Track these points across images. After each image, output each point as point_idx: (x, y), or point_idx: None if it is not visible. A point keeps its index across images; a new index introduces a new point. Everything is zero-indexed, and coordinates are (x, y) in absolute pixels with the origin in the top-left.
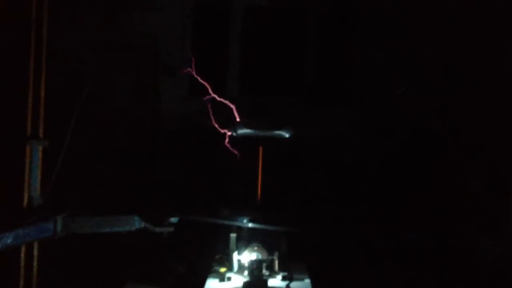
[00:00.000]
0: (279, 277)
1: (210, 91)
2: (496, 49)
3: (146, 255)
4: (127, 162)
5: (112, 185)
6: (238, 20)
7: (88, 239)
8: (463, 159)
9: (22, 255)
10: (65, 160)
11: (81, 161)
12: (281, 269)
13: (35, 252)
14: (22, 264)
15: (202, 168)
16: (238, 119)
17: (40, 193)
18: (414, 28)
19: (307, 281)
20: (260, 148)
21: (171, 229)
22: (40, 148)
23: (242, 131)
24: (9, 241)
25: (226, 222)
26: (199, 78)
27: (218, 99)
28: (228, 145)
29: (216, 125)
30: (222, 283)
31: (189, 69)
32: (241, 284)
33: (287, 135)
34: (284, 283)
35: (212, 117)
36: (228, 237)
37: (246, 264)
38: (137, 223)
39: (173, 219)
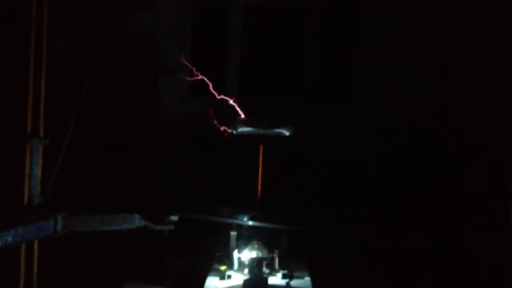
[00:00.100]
0: (280, 275)
1: (210, 87)
2: (496, 49)
3: (146, 253)
4: (127, 161)
5: (112, 184)
6: (238, 19)
7: (88, 238)
8: (463, 159)
9: (22, 253)
10: (66, 159)
11: (81, 160)
12: (282, 267)
13: (36, 251)
14: (23, 262)
15: (202, 166)
16: (241, 115)
17: (40, 191)
18: (414, 28)
19: (307, 279)
20: (260, 147)
21: (171, 227)
22: (41, 147)
23: (242, 129)
24: (9, 239)
25: (226, 220)
26: (199, 75)
27: (218, 97)
28: (228, 140)
29: (215, 122)
30: (222, 281)
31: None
32: (241, 282)
33: (287, 134)
34: (284, 281)
35: (211, 114)
36: (228, 235)
37: (246, 262)
38: (137, 222)
39: (173, 218)
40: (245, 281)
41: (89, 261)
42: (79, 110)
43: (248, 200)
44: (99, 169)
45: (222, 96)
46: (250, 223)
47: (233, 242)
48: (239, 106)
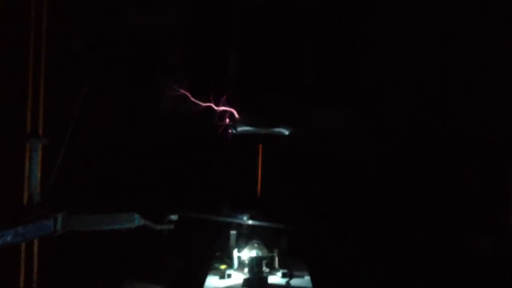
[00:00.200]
0: (279, 274)
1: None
2: (496, 49)
3: (146, 252)
4: (126, 160)
5: (112, 183)
6: (238, 19)
7: (88, 237)
8: (463, 159)
9: (22, 252)
10: (65, 158)
11: (81, 159)
12: (281, 266)
13: (35, 250)
14: (22, 261)
15: (202, 166)
16: (239, 117)
17: (40, 191)
18: (414, 28)
19: (307, 278)
20: (260, 146)
21: (171, 226)
22: (40, 146)
23: (241, 128)
24: (9, 238)
25: (226, 219)
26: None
27: (216, 108)
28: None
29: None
30: (222, 280)
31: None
32: (241, 281)
33: (286, 133)
34: (284, 280)
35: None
36: (228, 235)
37: (246, 261)
38: (137, 221)
39: (173, 217)
40: (245, 280)
41: (89, 260)
42: (78, 109)
43: (248, 199)
44: (99, 168)
45: (221, 107)
46: (250, 222)
47: (233, 241)
48: (238, 106)
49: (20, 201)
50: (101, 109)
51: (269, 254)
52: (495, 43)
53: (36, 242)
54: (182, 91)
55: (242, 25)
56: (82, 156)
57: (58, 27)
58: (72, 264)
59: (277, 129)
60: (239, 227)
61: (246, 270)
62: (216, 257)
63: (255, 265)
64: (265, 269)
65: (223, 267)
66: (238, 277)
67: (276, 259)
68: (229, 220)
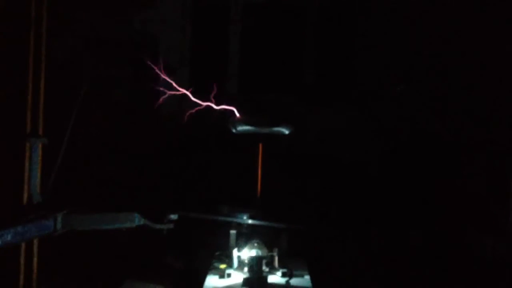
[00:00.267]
0: (279, 273)
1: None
2: (496, 49)
3: (145, 252)
4: (126, 159)
5: (112, 182)
6: (238, 18)
7: (88, 236)
8: (463, 159)
9: (22, 252)
10: (65, 157)
11: (80, 158)
12: (281, 265)
13: (35, 249)
14: (22, 261)
15: (202, 165)
16: (240, 116)
17: (39, 190)
18: (414, 27)
19: (307, 277)
20: (260, 145)
21: (171, 226)
22: (40, 145)
23: (241, 128)
24: (9, 238)
25: (226, 219)
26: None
27: (216, 107)
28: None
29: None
30: (222, 280)
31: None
32: (241, 280)
33: (286, 132)
34: (284, 280)
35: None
36: (228, 234)
37: (246, 261)
38: (136, 220)
39: (173, 216)
40: (245, 280)
41: (89, 260)
42: (78, 109)
43: (248, 199)
44: (99, 168)
45: (221, 106)
46: (250, 221)
47: (232, 240)
48: (238, 104)
49: (20, 200)
50: (101, 109)
51: (269, 254)
52: (495, 43)
53: (36, 241)
54: (182, 90)
55: (242, 24)
56: (82, 156)
57: (58, 26)
58: (72, 264)
59: (277, 129)
60: (239, 226)
61: (246, 269)
62: (216, 256)
63: (254, 264)
64: (265, 268)
65: (222, 266)
66: (238, 276)
67: (276, 258)
68: (229, 219)
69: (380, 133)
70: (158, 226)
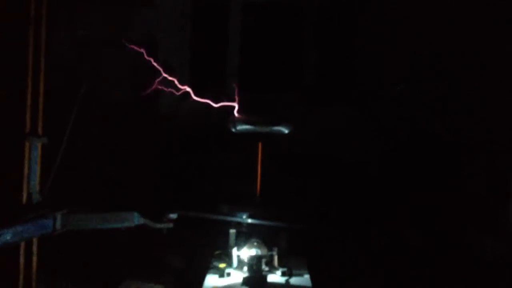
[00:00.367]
0: (279, 272)
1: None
2: (496, 49)
3: (145, 251)
4: (126, 159)
5: (111, 182)
6: (237, 17)
7: (87, 236)
8: (463, 159)
9: (22, 251)
10: (64, 157)
11: (80, 158)
12: (281, 264)
13: (35, 249)
14: (22, 260)
15: (201, 164)
16: (239, 115)
17: (39, 190)
18: (414, 27)
19: (307, 276)
20: (259, 144)
21: (170, 225)
22: (39, 144)
23: (241, 127)
24: (8, 237)
25: (226, 218)
26: None
27: (216, 105)
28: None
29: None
30: (222, 279)
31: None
32: (240, 280)
33: (286, 131)
34: (283, 279)
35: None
36: (228, 233)
37: (246, 260)
38: (136, 220)
39: (172, 215)
40: (245, 279)
41: (88, 259)
42: (78, 108)
43: (247, 198)
44: (98, 167)
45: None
46: (249, 221)
47: (232, 240)
48: (238, 104)
49: (19, 200)
50: (101, 109)
51: (269, 253)
52: (495, 43)
53: (35, 241)
54: (183, 89)
55: (241, 23)
56: (82, 155)
57: (58, 26)
58: (72, 263)
59: (276, 128)
60: (239, 225)
61: (245, 268)
62: (215, 255)
63: (254, 263)
64: (265, 267)
65: (222, 265)
66: (238, 275)
67: (276, 257)
68: (229, 219)
69: (380, 133)
70: (157, 226)
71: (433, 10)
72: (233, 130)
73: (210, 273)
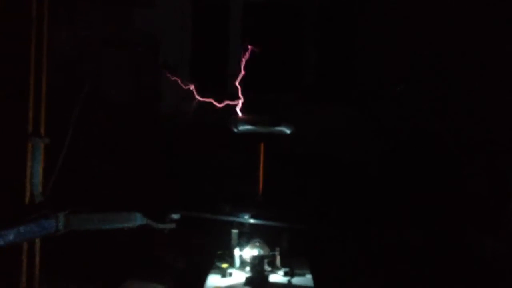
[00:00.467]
0: (281, 272)
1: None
2: (496, 49)
3: (147, 251)
4: (128, 159)
5: (114, 182)
6: (237, 16)
7: (89, 236)
8: (463, 159)
9: (24, 252)
10: (67, 157)
11: (82, 158)
12: (283, 264)
13: (37, 249)
14: (24, 261)
15: (204, 164)
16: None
17: (41, 190)
18: (414, 27)
19: (309, 276)
20: (261, 145)
21: (173, 225)
22: (42, 145)
23: (243, 127)
24: (10, 238)
25: (228, 218)
26: None
27: (219, 105)
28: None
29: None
30: (224, 279)
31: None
32: (243, 280)
33: (288, 132)
34: (285, 279)
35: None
36: (230, 233)
37: (248, 260)
38: (138, 220)
39: (175, 216)
40: (247, 279)
41: (91, 260)
42: (80, 109)
43: (250, 198)
44: (101, 167)
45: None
46: (252, 221)
47: (234, 240)
48: (241, 104)
49: (21, 200)
50: (102, 109)
51: (271, 253)
52: (495, 43)
53: (37, 241)
54: (184, 88)
55: (242, 23)
56: (84, 156)
57: (59, 26)
58: (74, 264)
59: (278, 128)
60: (241, 226)
61: (247, 268)
62: (218, 255)
63: (256, 263)
64: (267, 267)
65: (224, 265)
66: (240, 275)
67: (278, 257)
68: (231, 219)
69: (380, 133)
70: (160, 226)
71: (433, 10)
72: (235, 130)
73: (212, 273)
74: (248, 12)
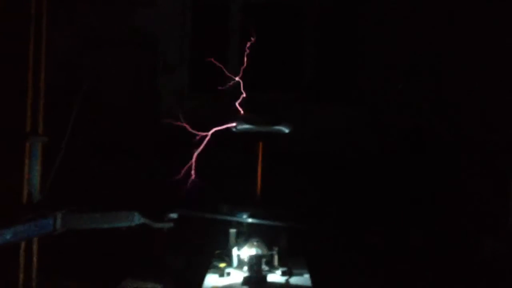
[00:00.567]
0: (279, 272)
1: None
2: (496, 49)
3: (145, 251)
4: (126, 158)
5: (112, 181)
6: (237, 16)
7: (87, 235)
8: (463, 159)
9: (22, 251)
10: (65, 156)
11: (80, 157)
12: (281, 264)
13: (35, 248)
14: (22, 260)
15: (202, 163)
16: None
17: (39, 189)
18: (414, 26)
19: (307, 276)
20: (260, 144)
21: (171, 225)
22: (40, 144)
23: (241, 126)
24: (8, 237)
25: (226, 218)
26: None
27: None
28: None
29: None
30: (222, 279)
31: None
32: (240, 279)
33: (286, 131)
34: (283, 278)
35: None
36: (228, 233)
37: (246, 260)
38: (136, 219)
39: (173, 215)
40: (245, 278)
41: (88, 259)
42: (78, 107)
43: (248, 198)
44: (98, 166)
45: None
46: (250, 220)
47: (232, 239)
48: (238, 104)
49: (19, 199)
50: (101, 108)
51: (269, 253)
52: (495, 43)
53: (35, 240)
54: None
55: (241, 22)
56: (82, 155)
57: (58, 24)
58: (72, 263)
59: (277, 127)
60: (239, 225)
61: (245, 268)
62: (216, 255)
63: (254, 263)
64: (265, 267)
65: (222, 265)
66: (238, 275)
67: (276, 257)
68: (229, 218)
69: (380, 132)
70: (158, 225)
71: (433, 10)
72: (234, 129)
73: (210, 272)
74: (247, 10)
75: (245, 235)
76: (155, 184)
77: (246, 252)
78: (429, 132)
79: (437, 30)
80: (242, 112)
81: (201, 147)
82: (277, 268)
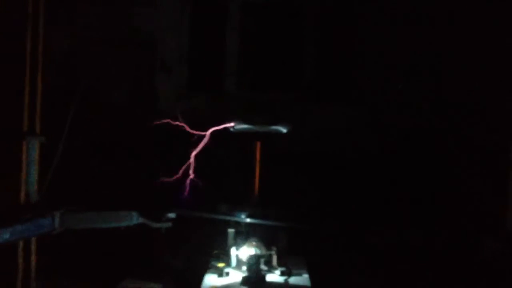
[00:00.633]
0: (278, 272)
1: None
2: (496, 48)
3: (144, 251)
4: (124, 158)
5: (110, 181)
6: (236, 15)
7: (86, 235)
8: (463, 159)
9: (20, 251)
10: (63, 156)
11: (78, 157)
12: (280, 264)
13: (33, 248)
14: (20, 260)
15: (200, 163)
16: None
17: (37, 189)
18: (414, 26)
19: (306, 276)
20: (258, 144)
21: (169, 224)
22: (37, 144)
23: (239, 126)
24: (6, 237)
25: (224, 218)
26: None
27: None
28: None
29: None
30: (221, 279)
31: None
32: (239, 279)
33: (284, 131)
34: (282, 278)
35: None
36: (226, 233)
37: (245, 260)
38: (135, 219)
39: (171, 215)
40: (244, 278)
41: (87, 259)
42: (76, 107)
43: (246, 198)
44: (97, 166)
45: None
46: (248, 220)
47: (231, 239)
48: (237, 103)
49: (17, 199)
50: (100, 107)
51: (268, 252)
52: (495, 43)
53: (33, 240)
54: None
55: (241, 21)
56: (80, 154)
57: (55, 24)
58: (70, 263)
59: (275, 127)
60: (237, 225)
61: (244, 268)
62: (214, 255)
63: (253, 263)
64: (264, 267)
65: (221, 265)
66: (237, 275)
67: (275, 257)
68: (227, 218)
69: (380, 132)
70: (156, 225)
71: (433, 10)
72: (231, 129)
73: (209, 272)
74: (247, 10)
75: (244, 235)
76: (154, 184)
77: (244, 252)
78: (429, 132)
79: (437, 30)
80: (240, 112)
81: (200, 147)
82: (276, 268)
